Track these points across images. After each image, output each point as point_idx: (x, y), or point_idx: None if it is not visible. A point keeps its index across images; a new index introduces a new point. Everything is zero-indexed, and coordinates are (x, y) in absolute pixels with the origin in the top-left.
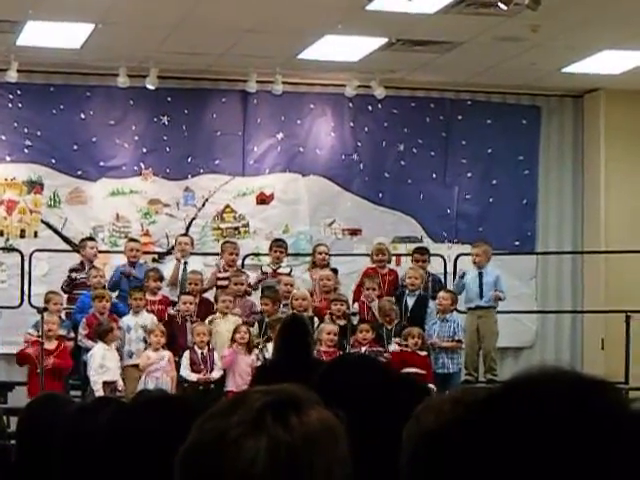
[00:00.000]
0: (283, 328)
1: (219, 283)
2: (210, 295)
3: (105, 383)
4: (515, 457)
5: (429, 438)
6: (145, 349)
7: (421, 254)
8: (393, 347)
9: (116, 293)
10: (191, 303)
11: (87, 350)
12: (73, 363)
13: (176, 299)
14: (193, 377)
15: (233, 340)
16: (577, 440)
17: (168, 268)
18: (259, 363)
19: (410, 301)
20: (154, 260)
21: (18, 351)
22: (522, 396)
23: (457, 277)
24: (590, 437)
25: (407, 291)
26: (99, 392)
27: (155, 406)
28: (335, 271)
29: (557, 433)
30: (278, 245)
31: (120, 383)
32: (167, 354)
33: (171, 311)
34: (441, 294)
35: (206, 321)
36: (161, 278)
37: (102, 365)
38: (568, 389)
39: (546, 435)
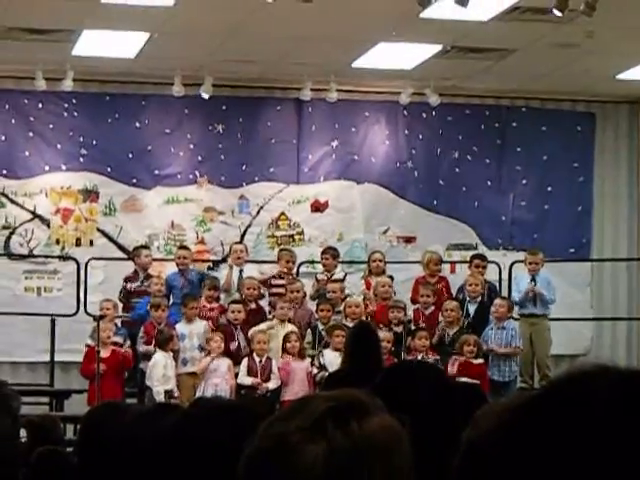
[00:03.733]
0: (353, 335)
1: (274, 290)
2: (264, 303)
3: (166, 392)
4: (562, 457)
5: (474, 444)
6: (204, 357)
7: (481, 260)
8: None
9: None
10: (240, 311)
11: (145, 357)
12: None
13: None
14: (248, 381)
15: (284, 349)
16: (623, 435)
17: (223, 276)
18: (315, 369)
19: (471, 308)
20: (209, 268)
21: (82, 368)
22: (564, 395)
23: (516, 290)
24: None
25: (468, 298)
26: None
27: (220, 413)
28: (391, 278)
29: (603, 430)
30: (328, 253)
31: (176, 390)
32: (226, 361)
33: (222, 320)
34: (497, 301)
35: (263, 326)
36: (216, 287)
37: (164, 374)
38: (611, 384)
39: (592, 434)
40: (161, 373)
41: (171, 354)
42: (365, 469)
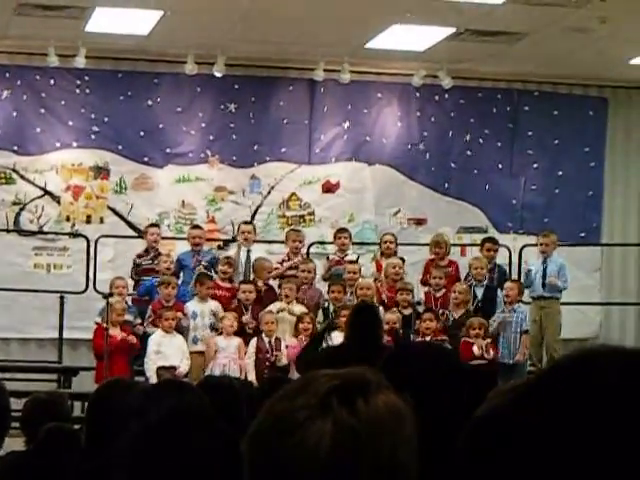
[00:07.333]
0: (353, 315)
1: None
2: (274, 283)
3: (163, 368)
4: (566, 435)
5: (480, 422)
6: (216, 335)
7: (493, 243)
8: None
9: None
10: (250, 292)
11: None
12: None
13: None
14: (250, 367)
15: (297, 329)
16: (627, 412)
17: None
18: None
19: (478, 292)
20: (219, 247)
21: (94, 343)
22: (570, 373)
23: (524, 274)
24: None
25: (474, 282)
26: (152, 378)
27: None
28: (402, 260)
29: (608, 408)
30: (345, 233)
31: (180, 370)
32: (237, 341)
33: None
34: (507, 284)
35: (272, 307)
36: (230, 264)
37: (157, 351)
38: (616, 362)
39: (597, 412)
40: (152, 350)
41: (173, 332)
42: (370, 447)
